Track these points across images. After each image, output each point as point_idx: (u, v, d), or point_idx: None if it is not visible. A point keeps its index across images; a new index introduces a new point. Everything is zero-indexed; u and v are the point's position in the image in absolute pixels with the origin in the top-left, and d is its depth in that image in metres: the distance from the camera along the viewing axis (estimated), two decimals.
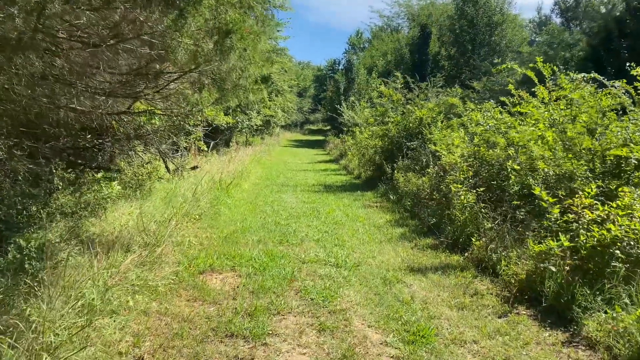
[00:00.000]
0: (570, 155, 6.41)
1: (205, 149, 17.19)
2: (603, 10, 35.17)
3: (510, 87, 9.35)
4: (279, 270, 5.63)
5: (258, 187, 13.19)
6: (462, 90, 19.45)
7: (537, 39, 34.87)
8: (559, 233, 5.10)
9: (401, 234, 7.98)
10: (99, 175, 8.14)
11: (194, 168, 13.79)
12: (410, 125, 13.52)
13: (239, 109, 23.08)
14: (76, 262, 4.54)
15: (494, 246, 6.18)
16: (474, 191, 7.37)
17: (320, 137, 47.38)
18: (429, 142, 11.98)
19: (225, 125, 21.35)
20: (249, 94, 6.92)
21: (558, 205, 5.45)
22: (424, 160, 11.54)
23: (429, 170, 9.72)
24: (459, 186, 7.45)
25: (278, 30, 25.13)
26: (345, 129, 30.45)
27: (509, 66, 9.22)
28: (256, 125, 26.43)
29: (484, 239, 6.46)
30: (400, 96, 14.87)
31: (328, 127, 52.65)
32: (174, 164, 13.35)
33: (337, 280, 5.47)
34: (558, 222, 5.33)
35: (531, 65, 8.58)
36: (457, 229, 7.27)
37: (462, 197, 7.34)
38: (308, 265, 6.00)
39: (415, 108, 13.11)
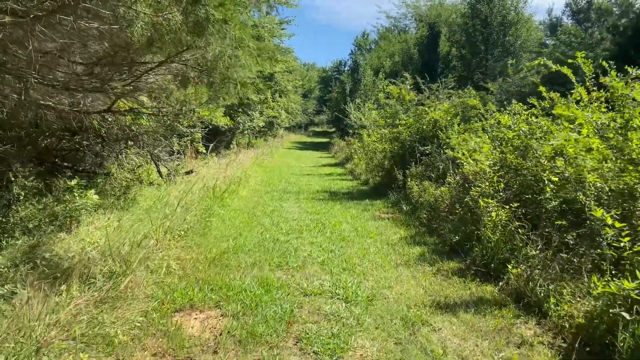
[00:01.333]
0: (631, 167, 5.30)
1: (204, 151, 16.14)
2: (617, 11, 33.99)
3: (541, 88, 8.25)
4: (275, 307, 4.54)
5: (257, 194, 12.12)
6: (475, 91, 18.35)
7: (548, 42, 33.72)
8: (633, 268, 4.00)
9: (420, 254, 6.87)
10: (72, 182, 7.07)
11: (188, 173, 12.75)
12: (424, 128, 12.42)
13: (240, 110, 22.05)
14: (8, 306, 3.47)
15: (537, 277, 5.07)
16: (507, 207, 6.26)
17: (325, 140, 46.31)
18: (446, 147, 10.89)
19: (226, 127, 20.34)
20: (244, 89, 5.84)
21: (627, 231, 4.34)
22: (441, 167, 10.43)
23: (449, 179, 8.61)
24: (490, 201, 6.33)
25: (282, 29, 24.10)
26: (351, 131, 29.43)
27: (542, 62, 8.10)
28: (259, 126, 25.40)
29: (523, 267, 5.35)
30: (412, 96, 13.75)
31: (333, 129, 51.59)
32: (167, 168, 12.32)
33: (348, 322, 4.37)
34: (628, 254, 4.22)
35: (570, 61, 7.49)
36: (487, 251, 6.16)
37: (493, 213, 6.23)
38: (311, 299, 4.91)
39: (430, 109, 11.99)
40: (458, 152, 9.08)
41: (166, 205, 7.87)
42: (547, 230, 5.77)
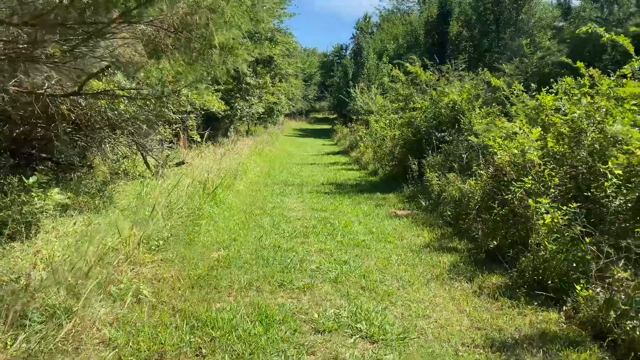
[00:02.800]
0: None
1: (199, 139, 14.84)
2: None
3: (579, 64, 6.98)
4: (278, 357, 3.32)
5: (256, 188, 10.87)
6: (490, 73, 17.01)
7: (559, 24, 32.09)
8: None
9: (452, 264, 5.64)
10: (30, 180, 5.84)
11: (180, 164, 11.52)
12: (442, 111, 11.13)
13: (238, 95, 20.73)
14: None
15: (622, 304, 3.84)
16: (564, 207, 5.01)
17: (327, 126, 44.97)
18: (469, 134, 9.62)
19: (222, 113, 19.08)
20: (232, 57, 4.57)
21: None
22: (464, 156, 9.16)
23: (481, 171, 7.34)
24: (545, 200, 5.08)
25: (282, 8, 22.66)
26: (354, 117, 28.11)
27: (592, 28, 6.79)
28: (258, 113, 24.10)
29: (599, 290, 4.13)
30: (430, 75, 12.42)
31: (335, 116, 50.23)
32: (154, 159, 11.08)
33: None
34: None
35: (633, 29, 6.19)
36: (540, 262, 4.92)
37: (548, 216, 4.98)
38: (325, 338, 3.67)
39: (452, 90, 10.66)
40: (487, 139, 7.81)
41: (147, 205, 6.63)
42: (613, 238, 4.55)
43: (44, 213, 5.87)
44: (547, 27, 22.63)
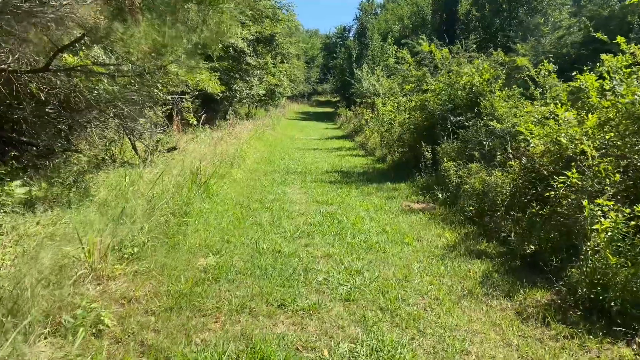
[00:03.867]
0: None
1: (195, 122, 13.86)
2: None
3: (620, 39, 6.02)
4: None
5: (255, 176, 9.95)
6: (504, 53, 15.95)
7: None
8: None
9: (484, 274, 4.74)
10: None
11: (171, 149, 10.58)
12: (458, 93, 10.15)
13: (237, 76, 19.69)
14: None
15: None
16: (628, 211, 4.09)
17: (330, 109, 43.90)
18: (490, 118, 8.68)
19: (220, 95, 18.10)
20: (217, 20, 3.62)
21: None
22: (485, 143, 8.21)
23: (512, 163, 6.40)
24: (608, 202, 4.15)
25: None
26: (358, 100, 27.12)
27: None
28: (258, 95, 23.06)
29: None
30: (446, 53, 11.42)
31: (337, 98, 49.08)
32: (144, 143, 10.16)
33: None
34: None
35: None
36: (600, 278, 4.01)
37: (607, 220, 4.06)
38: None
39: (472, 70, 9.65)
40: (519, 126, 6.88)
41: (126, 199, 5.72)
42: None
43: (2, 210, 4.98)
44: (561, 5, 21.43)
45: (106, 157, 9.77)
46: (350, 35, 55.92)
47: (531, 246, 5.19)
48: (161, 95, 9.11)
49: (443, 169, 8.50)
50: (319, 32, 73.13)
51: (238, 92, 19.32)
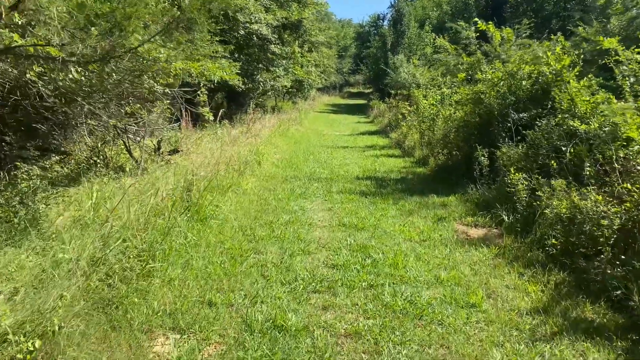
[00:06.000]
0: None
1: (211, 118, 12.20)
2: None
3: None
4: None
5: (270, 185, 8.22)
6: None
7: None
8: None
9: None
10: None
11: (173, 152, 8.98)
12: (522, 84, 8.17)
13: (261, 65, 17.99)
14: None
15: None
16: None
17: (362, 101, 41.88)
18: (568, 116, 6.73)
19: (243, 87, 16.44)
20: None
21: None
22: (567, 150, 6.23)
23: (627, 186, 4.46)
24: None
25: None
26: (393, 91, 25.11)
27: None
28: (285, 87, 21.34)
29: None
30: (509, 33, 9.41)
31: (370, 90, 46.96)
32: (138, 145, 8.59)
33: None
34: None
35: None
36: None
37: None
38: None
39: (549, 54, 7.59)
40: (625, 129, 4.94)
41: (91, 229, 4.08)
42: None
43: None
44: None
45: (91, 163, 8.26)
46: (385, 23, 53.49)
47: None
48: (155, 86, 7.46)
49: (508, 181, 6.57)
50: (351, 22, 70.72)
51: (261, 83, 17.63)
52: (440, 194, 7.82)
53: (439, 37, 17.22)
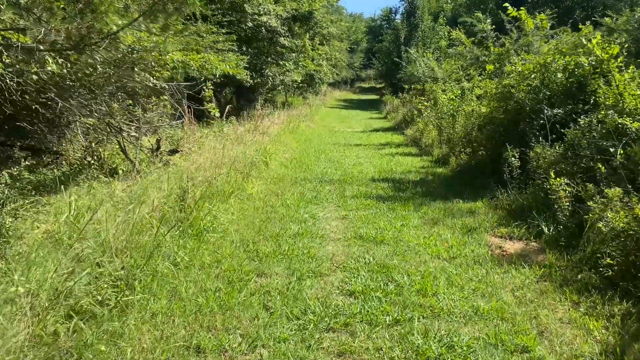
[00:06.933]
0: None
1: (217, 115, 11.47)
2: None
3: None
4: None
5: (278, 188, 7.49)
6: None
7: None
8: None
9: None
10: None
11: (172, 152, 8.30)
12: (558, 77, 7.35)
13: (270, 59, 17.25)
14: None
15: None
16: None
17: (374, 96, 41.01)
18: (611, 113, 5.92)
19: (251, 82, 15.73)
20: None
21: None
22: (618, 151, 5.43)
23: None
24: None
25: None
26: (406, 86, 24.24)
27: None
28: (295, 81, 20.58)
29: None
30: (543, 20, 8.60)
31: (382, 85, 46.03)
32: (134, 144, 7.93)
33: None
34: None
35: None
36: None
37: None
38: None
39: (595, 43, 6.75)
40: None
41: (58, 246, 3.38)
42: None
43: None
44: None
45: (92, 162, 7.62)
46: (397, 17, 52.41)
47: None
48: (154, 81, 6.75)
49: (547, 187, 5.77)
50: (362, 16, 69.53)
51: (270, 78, 16.89)
52: (465, 198, 7.04)
53: (453, 29, 16.38)
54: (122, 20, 3.64)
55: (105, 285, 3.22)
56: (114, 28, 3.66)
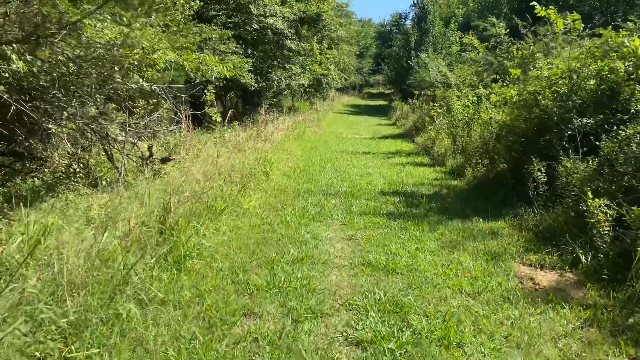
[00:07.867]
0: None
1: (219, 119, 10.81)
2: None
3: None
4: None
5: (278, 203, 6.81)
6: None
7: None
8: None
9: None
10: None
11: (165, 161, 7.65)
12: (590, 83, 6.64)
13: (276, 62, 16.62)
14: None
15: None
16: None
17: (383, 102, 40.33)
18: None
19: (256, 86, 15.11)
20: None
21: None
22: None
23: None
24: None
25: None
26: (416, 92, 23.59)
27: None
28: (302, 86, 19.95)
29: None
30: (576, 21, 7.94)
31: (391, 90, 45.32)
32: (125, 154, 7.29)
33: None
34: None
35: None
36: None
37: None
38: None
39: (635, 43, 6.03)
40: None
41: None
42: None
43: None
44: None
45: (78, 170, 6.99)
46: (407, 22, 51.77)
47: None
48: (144, 83, 6.10)
49: (581, 207, 5.05)
50: (372, 22, 68.87)
51: (276, 82, 16.26)
52: (485, 216, 6.32)
53: (465, 35, 15.69)
54: (87, 6, 3.00)
55: (50, 338, 2.55)
56: (73, 18, 3.01)
